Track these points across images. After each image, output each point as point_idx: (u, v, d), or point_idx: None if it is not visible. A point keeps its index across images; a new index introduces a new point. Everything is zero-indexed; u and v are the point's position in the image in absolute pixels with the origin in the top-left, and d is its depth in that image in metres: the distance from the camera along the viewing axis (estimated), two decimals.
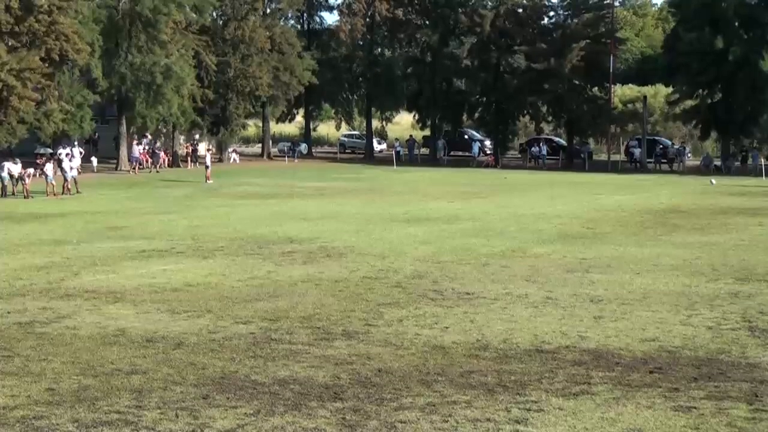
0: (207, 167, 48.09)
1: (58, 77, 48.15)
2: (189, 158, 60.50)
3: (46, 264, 20.75)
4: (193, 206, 35.06)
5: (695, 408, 10.39)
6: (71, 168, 42.12)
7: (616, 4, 76.35)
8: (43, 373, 11.78)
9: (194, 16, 57.98)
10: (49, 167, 40.82)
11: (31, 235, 26.22)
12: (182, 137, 64.69)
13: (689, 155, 68.18)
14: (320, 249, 23.14)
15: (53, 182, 40.15)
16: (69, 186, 40.93)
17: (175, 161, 60.21)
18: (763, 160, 58.92)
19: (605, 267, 20.35)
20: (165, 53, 53.77)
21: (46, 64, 46.19)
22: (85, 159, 53.12)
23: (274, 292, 17.34)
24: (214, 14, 63.71)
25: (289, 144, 73.43)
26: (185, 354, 12.86)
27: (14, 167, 40.41)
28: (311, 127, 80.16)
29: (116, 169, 55.58)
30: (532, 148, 69.20)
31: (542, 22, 69.92)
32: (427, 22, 70.78)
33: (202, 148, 62.17)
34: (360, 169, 58.79)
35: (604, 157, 69.03)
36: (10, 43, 46.08)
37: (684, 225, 28.86)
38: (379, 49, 76.56)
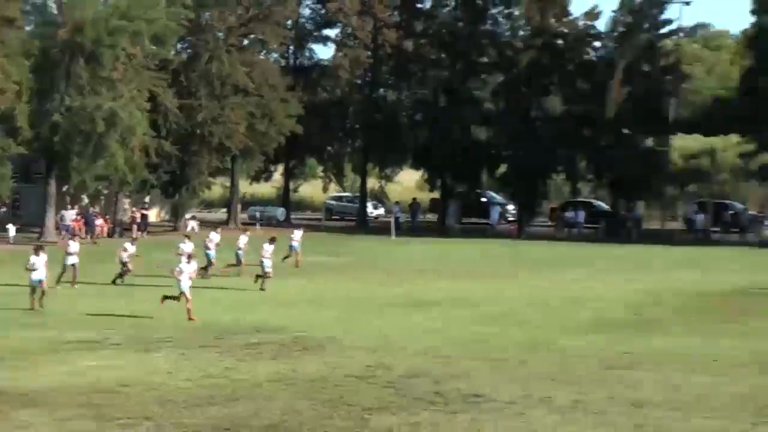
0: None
1: None
2: (136, 226, 59.81)
3: None
4: (133, 286, 34.62)
5: None
6: None
7: (681, 34, 75.98)
8: None
9: (153, 48, 56.92)
10: None
11: None
12: (127, 200, 64.20)
13: None
14: (294, 341, 23.05)
15: None
16: None
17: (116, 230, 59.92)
18: None
19: (653, 363, 20.29)
20: (113, 95, 53.44)
21: None
22: (0, 227, 52.77)
23: (233, 395, 17.26)
24: (178, 47, 63.23)
25: (260, 209, 72.88)
26: None
27: None
28: (291, 187, 78.85)
29: (39, 239, 54.99)
30: (567, 213, 69.08)
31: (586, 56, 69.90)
32: (443, 56, 70.47)
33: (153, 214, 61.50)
34: (349, 240, 58.72)
35: (655, 225, 69.12)
36: None
37: (754, 310, 28.83)
38: (382, 90, 75.94)
